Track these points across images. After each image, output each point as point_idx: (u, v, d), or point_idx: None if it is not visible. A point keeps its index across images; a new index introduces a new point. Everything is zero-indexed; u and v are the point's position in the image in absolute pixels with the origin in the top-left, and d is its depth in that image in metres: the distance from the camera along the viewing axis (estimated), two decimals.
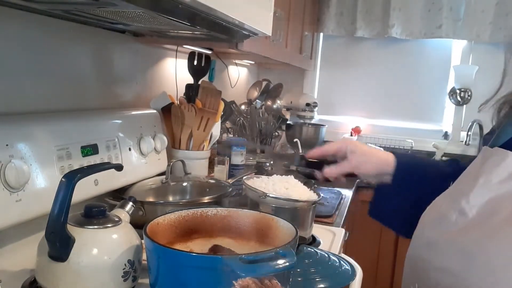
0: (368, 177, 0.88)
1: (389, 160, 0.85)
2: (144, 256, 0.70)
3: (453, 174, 0.80)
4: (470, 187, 0.63)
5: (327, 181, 0.88)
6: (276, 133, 2.30)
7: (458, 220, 0.61)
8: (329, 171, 0.86)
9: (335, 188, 1.81)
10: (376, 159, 0.86)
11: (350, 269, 0.86)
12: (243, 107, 2.30)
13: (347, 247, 1.41)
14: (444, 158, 2.52)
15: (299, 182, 1.14)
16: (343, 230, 1.28)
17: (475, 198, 0.61)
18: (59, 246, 0.68)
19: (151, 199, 1.14)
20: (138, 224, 0.77)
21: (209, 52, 1.64)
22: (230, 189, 1.22)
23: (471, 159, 0.75)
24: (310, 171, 0.88)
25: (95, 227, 0.72)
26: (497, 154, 0.63)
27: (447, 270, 0.60)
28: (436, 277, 0.62)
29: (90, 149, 1.03)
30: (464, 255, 0.57)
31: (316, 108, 2.56)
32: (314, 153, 0.88)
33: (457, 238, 0.59)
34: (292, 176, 1.15)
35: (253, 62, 2.51)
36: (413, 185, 0.83)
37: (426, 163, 0.89)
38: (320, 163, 0.87)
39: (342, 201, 1.65)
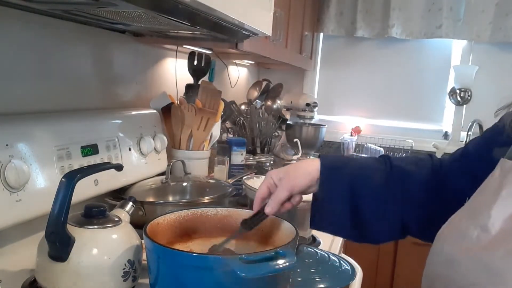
0: (308, 192, 0.83)
1: (315, 165, 0.82)
2: (144, 256, 0.71)
3: (382, 169, 0.82)
4: (491, 201, 0.60)
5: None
6: (276, 133, 2.30)
7: (481, 236, 0.59)
8: (269, 209, 0.78)
9: None
10: (303, 170, 0.81)
11: (350, 269, 0.86)
12: (243, 107, 2.30)
13: (347, 247, 1.40)
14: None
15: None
16: None
17: (498, 212, 0.59)
18: (59, 246, 0.68)
19: (151, 199, 1.14)
20: (138, 224, 0.77)
21: (209, 52, 1.64)
22: (230, 189, 1.22)
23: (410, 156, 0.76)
24: (257, 224, 0.82)
25: (95, 227, 0.73)
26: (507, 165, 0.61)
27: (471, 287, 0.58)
28: None
29: (90, 149, 1.03)
30: (491, 272, 0.55)
31: (316, 108, 2.56)
32: (255, 207, 0.81)
33: (482, 254, 0.57)
34: None
35: (253, 62, 2.51)
36: (340, 182, 0.80)
37: (350, 159, 0.86)
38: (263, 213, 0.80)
39: None
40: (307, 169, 0.82)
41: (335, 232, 0.91)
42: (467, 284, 0.58)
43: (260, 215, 0.79)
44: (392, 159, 0.84)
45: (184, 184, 1.24)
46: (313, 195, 0.85)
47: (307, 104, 2.50)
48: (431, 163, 0.83)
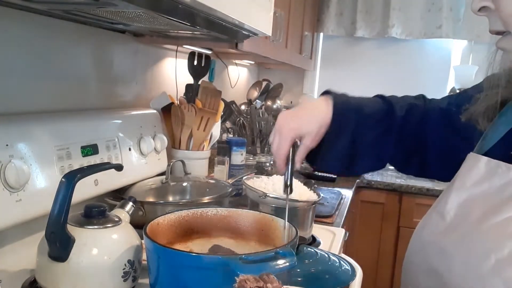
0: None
1: (325, 111, 0.84)
2: (144, 256, 0.71)
3: (387, 110, 0.87)
4: (449, 191, 0.67)
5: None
6: None
7: (439, 223, 0.65)
8: (297, 160, 0.83)
9: (335, 188, 1.82)
10: (315, 118, 0.84)
11: (350, 269, 0.86)
12: (243, 107, 2.29)
13: (347, 247, 1.41)
14: None
15: (299, 182, 1.14)
16: (343, 230, 1.28)
17: (452, 201, 0.65)
18: (59, 246, 0.68)
19: (151, 199, 1.14)
20: (138, 224, 0.77)
21: (209, 52, 1.64)
22: (230, 189, 1.22)
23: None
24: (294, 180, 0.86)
25: (95, 227, 0.73)
26: (471, 159, 0.67)
27: (433, 272, 0.62)
28: (424, 279, 0.65)
29: (90, 149, 1.03)
30: (445, 257, 0.61)
31: None
32: (281, 167, 0.85)
33: (438, 239, 0.63)
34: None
35: (253, 62, 2.51)
36: (352, 124, 0.84)
37: (362, 100, 0.90)
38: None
39: (342, 201, 1.65)
40: (318, 115, 0.84)
41: (330, 169, 0.96)
42: (428, 268, 0.63)
43: (289, 172, 0.83)
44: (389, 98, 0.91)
45: (184, 184, 1.24)
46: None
47: None
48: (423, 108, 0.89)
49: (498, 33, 0.61)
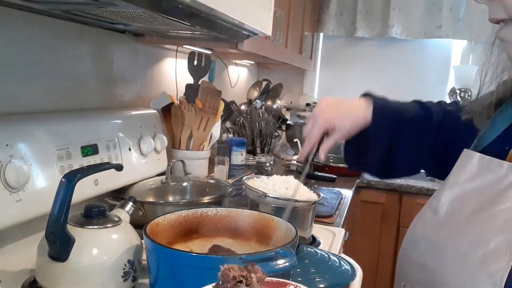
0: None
1: (365, 112, 0.85)
2: (144, 256, 0.71)
3: (424, 115, 0.86)
4: (442, 187, 0.68)
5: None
6: (276, 133, 2.30)
7: (433, 218, 0.66)
8: (322, 150, 0.85)
9: (335, 188, 1.82)
10: (353, 116, 0.85)
11: (350, 269, 0.86)
12: (243, 107, 2.30)
13: (347, 247, 1.40)
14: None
15: (299, 182, 1.14)
16: (343, 230, 1.28)
17: (445, 197, 0.66)
18: (59, 246, 0.68)
19: (151, 199, 1.14)
20: (138, 224, 0.77)
21: (209, 52, 1.64)
22: (230, 189, 1.22)
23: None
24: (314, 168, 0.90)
25: (95, 227, 0.72)
26: (464, 155, 0.67)
27: (425, 266, 0.63)
28: (417, 274, 0.66)
29: (90, 149, 1.03)
30: (436, 251, 0.62)
31: None
32: (305, 153, 0.87)
33: (430, 234, 0.65)
34: (292, 176, 1.15)
35: (253, 62, 2.51)
36: (390, 128, 0.85)
37: (401, 105, 0.90)
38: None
39: (342, 201, 1.65)
40: (355, 114, 0.85)
41: (369, 171, 0.97)
42: (421, 263, 0.64)
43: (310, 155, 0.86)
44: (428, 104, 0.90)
45: (184, 184, 1.24)
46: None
47: (307, 104, 2.50)
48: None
49: (498, 22, 0.61)
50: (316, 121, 0.85)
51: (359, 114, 0.85)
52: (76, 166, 0.96)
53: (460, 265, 0.58)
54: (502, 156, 0.63)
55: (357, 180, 2.13)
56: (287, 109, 2.60)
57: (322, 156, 0.85)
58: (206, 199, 1.13)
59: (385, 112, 0.85)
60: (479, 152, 0.66)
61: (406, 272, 0.69)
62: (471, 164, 0.65)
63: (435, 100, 0.94)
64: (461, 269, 0.57)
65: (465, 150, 0.68)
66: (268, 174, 1.47)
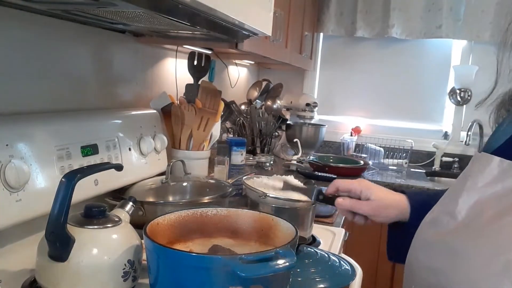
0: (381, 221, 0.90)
1: (403, 201, 0.88)
2: (144, 256, 0.70)
3: None
4: (459, 191, 0.66)
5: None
6: (276, 133, 2.30)
7: (449, 222, 0.64)
8: (341, 201, 0.89)
9: None
10: (394, 206, 0.88)
11: (350, 269, 0.86)
12: (243, 107, 2.30)
13: (347, 247, 1.40)
14: (444, 158, 2.52)
15: (299, 182, 1.14)
16: (343, 230, 1.28)
17: (463, 201, 0.64)
18: (59, 246, 0.68)
19: (151, 199, 1.14)
20: (138, 224, 0.77)
21: (209, 52, 1.64)
22: (230, 189, 1.22)
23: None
24: (325, 203, 0.94)
25: (95, 227, 0.72)
26: (483, 159, 0.66)
27: (437, 270, 0.62)
28: (427, 277, 0.64)
29: (90, 149, 1.03)
30: (451, 255, 0.60)
31: (316, 108, 2.56)
32: (329, 189, 0.92)
33: (446, 238, 0.63)
34: (292, 176, 1.15)
35: (253, 62, 2.51)
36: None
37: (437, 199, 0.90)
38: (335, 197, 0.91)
39: None
40: (395, 201, 0.89)
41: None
42: (433, 267, 0.63)
43: (328, 199, 0.90)
44: None
45: (184, 184, 1.24)
46: (392, 226, 0.91)
47: (307, 104, 2.50)
48: None
49: None
50: (353, 209, 0.88)
51: (401, 208, 0.88)
52: (76, 166, 0.96)
53: (480, 270, 0.56)
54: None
55: None
56: (287, 109, 2.60)
57: (338, 207, 0.90)
58: (206, 199, 1.13)
59: (423, 207, 0.85)
60: (491, 153, 0.66)
61: (415, 276, 0.68)
62: (490, 168, 0.64)
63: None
64: (480, 275, 0.56)
65: (483, 153, 0.67)
66: (268, 174, 1.47)
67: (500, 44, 0.69)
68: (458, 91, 2.51)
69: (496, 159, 0.63)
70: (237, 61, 2.33)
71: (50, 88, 1.07)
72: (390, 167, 2.50)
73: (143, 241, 0.68)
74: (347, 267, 0.86)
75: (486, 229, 0.59)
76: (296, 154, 2.27)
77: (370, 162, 2.48)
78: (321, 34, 2.77)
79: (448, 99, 2.57)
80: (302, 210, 1.07)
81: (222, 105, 1.52)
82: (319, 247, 1.06)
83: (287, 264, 0.58)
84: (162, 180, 1.21)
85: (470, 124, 2.43)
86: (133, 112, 1.27)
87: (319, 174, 2.02)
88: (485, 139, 0.84)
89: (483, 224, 0.59)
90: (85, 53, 1.19)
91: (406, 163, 2.49)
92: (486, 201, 0.62)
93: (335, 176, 1.99)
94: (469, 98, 2.50)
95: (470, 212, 0.63)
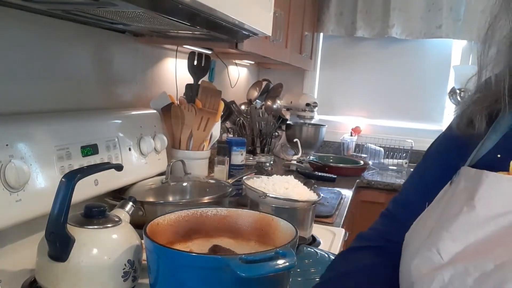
0: None
1: None
2: (144, 256, 0.70)
3: None
4: (466, 221, 0.52)
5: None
6: (276, 133, 2.30)
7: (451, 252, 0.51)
8: None
9: (335, 188, 1.82)
10: None
11: None
12: (243, 107, 2.30)
13: (347, 247, 1.40)
14: None
15: (299, 182, 1.14)
16: (343, 230, 1.28)
17: (476, 234, 0.51)
18: (59, 246, 0.68)
19: (151, 199, 1.14)
20: (138, 224, 0.77)
21: (209, 52, 1.64)
22: (230, 189, 1.22)
23: None
24: None
25: (95, 227, 0.73)
26: (494, 180, 0.53)
27: None
28: None
29: (90, 149, 1.03)
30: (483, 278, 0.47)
31: (316, 108, 2.56)
32: None
33: (470, 262, 0.48)
34: (292, 176, 1.15)
35: (253, 62, 2.51)
36: None
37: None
38: None
39: (342, 201, 1.65)
40: None
41: None
42: None
43: None
44: None
45: (184, 184, 1.24)
46: None
47: (307, 104, 2.50)
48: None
49: None
50: None
51: None
52: (76, 166, 0.96)
53: None
54: (495, 167, 0.53)
55: (357, 180, 2.13)
56: (287, 109, 2.60)
57: None
58: (206, 199, 1.13)
59: None
60: (473, 166, 0.56)
61: None
62: (501, 190, 0.51)
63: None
64: None
65: (492, 173, 0.53)
66: (268, 174, 1.47)
67: (482, 41, 0.65)
68: (458, 91, 2.50)
69: (505, 178, 0.52)
70: (237, 61, 2.33)
71: (50, 88, 1.07)
72: (390, 167, 2.50)
73: (143, 241, 0.68)
74: None
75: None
76: (296, 154, 2.27)
77: (370, 162, 2.48)
78: (321, 34, 2.77)
79: (448, 99, 2.57)
80: (302, 210, 1.07)
81: (222, 105, 1.52)
82: (319, 247, 1.06)
83: (287, 264, 0.58)
84: (162, 180, 1.21)
85: None
86: (133, 112, 1.27)
87: (319, 174, 2.02)
88: None
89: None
90: (85, 53, 1.19)
91: (406, 163, 2.49)
92: (505, 233, 0.49)
93: (335, 176, 2.00)
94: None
95: (490, 240, 0.49)
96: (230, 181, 1.35)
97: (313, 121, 2.59)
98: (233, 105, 2.06)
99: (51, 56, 1.06)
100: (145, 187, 1.19)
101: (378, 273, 0.69)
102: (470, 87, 0.69)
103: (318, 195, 1.11)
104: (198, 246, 0.78)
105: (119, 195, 1.12)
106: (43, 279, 0.71)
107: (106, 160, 1.08)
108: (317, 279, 0.80)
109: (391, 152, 2.57)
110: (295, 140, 2.29)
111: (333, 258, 0.89)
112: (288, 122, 2.51)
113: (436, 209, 0.59)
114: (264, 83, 2.50)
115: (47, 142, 0.92)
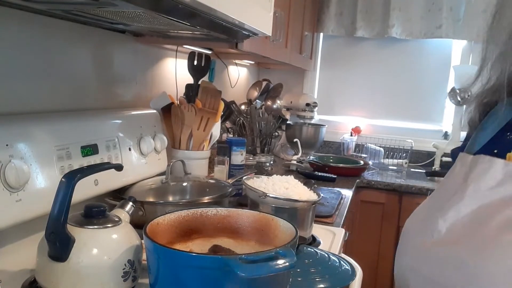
0: None
1: None
2: (144, 256, 0.71)
3: None
4: (459, 195, 0.61)
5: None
6: (276, 133, 2.30)
7: (452, 230, 0.60)
8: None
9: (335, 188, 1.82)
10: None
11: (350, 269, 0.86)
12: (243, 107, 2.30)
13: (347, 247, 1.41)
14: (444, 158, 2.52)
15: (299, 182, 1.14)
16: (343, 230, 1.28)
17: (465, 206, 0.60)
18: (59, 246, 0.68)
19: (151, 199, 1.14)
20: (138, 224, 0.77)
21: (209, 52, 1.64)
22: (230, 189, 1.22)
23: None
24: None
25: (95, 227, 0.72)
26: (484, 162, 0.61)
27: (438, 283, 0.58)
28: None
29: (90, 149, 1.03)
30: (460, 269, 0.56)
31: (316, 108, 2.56)
32: None
33: (450, 249, 0.58)
34: (292, 176, 1.15)
35: (253, 62, 2.51)
36: None
37: None
38: None
39: (342, 201, 1.65)
40: None
41: None
42: (444, 282, 0.58)
43: None
44: None
45: (184, 184, 1.24)
46: None
47: (307, 104, 2.50)
48: None
49: None
50: None
51: None
52: (76, 166, 0.96)
53: (485, 284, 0.52)
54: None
55: (357, 180, 2.13)
56: (287, 109, 2.60)
57: None
58: (206, 199, 1.13)
59: None
60: (473, 155, 0.62)
61: (409, 285, 0.63)
62: (493, 171, 0.59)
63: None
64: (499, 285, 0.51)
65: (483, 156, 0.62)
66: (268, 174, 1.47)
67: (487, 41, 0.67)
68: (458, 91, 2.51)
69: (500, 161, 0.59)
70: (237, 61, 2.33)
71: (50, 88, 1.07)
72: (390, 167, 2.50)
73: (143, 241, 0.68)
74: (347, 267, 0.86)
75: (494, 241, 0.54)
76: (296, 154, 2.27)
77: (370, 162, 2.48)
78: (321, 34, 2.77)
79: (448, 99, 2.57)
80: (302, 210, 1.07)
81: (222, 105, 1.52)
82: (319, 247, 1.06)
83: (287, 264, 0.58)
84: (162, 180, 1.21)
85: None
86: (133, 112, 1.27)
87: (319, 174, 2.02)
88: None
89: (490, 235, 0.55)
90: (85, 53, 1.19)
91: (406, 163, 2.49)
92: (491, 207, 0.57)
93: (335, 176, 2.00)
94: (469, 98, 2.50)
95: (474, 219, 0.58)
96: (230, 181, 1.35)
97: (313, 121, 2.59)
98: (233, 105, 2.05)
99: (51, 56, 1.06)
100: (145, 187, 1.19)
101: None
102: (474, 83, 0.72)
103: (318, 195, 1.11)
104: (198, 246, 0.78)
105: (119, 195, 1.12)
106: (43, 279, 0.71)
107: (106, 160, 1.08)
108: (317, 279, 0.80)
109: (391, 152, 2.57)
110: (295, 140, 2.29)
111: (333, 257, 0.89)
112: (288, 122, 2.51)
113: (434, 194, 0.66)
114: (264, 83, 2.50)
115: (47, 142, 0.92)
